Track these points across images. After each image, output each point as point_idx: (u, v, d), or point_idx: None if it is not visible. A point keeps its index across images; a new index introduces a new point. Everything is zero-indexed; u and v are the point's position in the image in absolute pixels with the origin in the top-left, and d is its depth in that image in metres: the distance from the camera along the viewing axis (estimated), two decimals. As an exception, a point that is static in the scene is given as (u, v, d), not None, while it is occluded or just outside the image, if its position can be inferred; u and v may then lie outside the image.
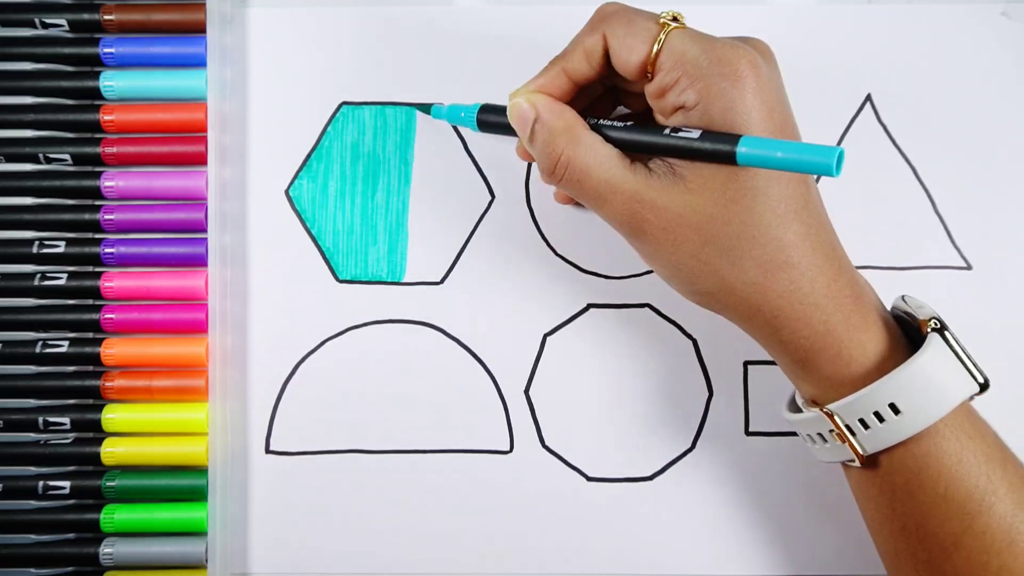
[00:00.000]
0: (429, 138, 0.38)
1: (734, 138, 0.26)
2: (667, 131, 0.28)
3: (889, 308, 0.30)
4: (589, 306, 0.37)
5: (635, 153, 0.30)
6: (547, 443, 0.37)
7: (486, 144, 0.38)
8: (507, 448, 0.37)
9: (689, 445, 0.37)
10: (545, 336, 0.37)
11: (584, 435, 0.37)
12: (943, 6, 0.37)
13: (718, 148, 0.27)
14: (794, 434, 0.37)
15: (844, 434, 0.28)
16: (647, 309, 0.37)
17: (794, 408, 0.32)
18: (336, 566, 0.37)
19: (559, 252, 0.37)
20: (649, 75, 0.29)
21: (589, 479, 0.37)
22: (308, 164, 0.38)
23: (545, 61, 0.37)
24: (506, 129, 0.32)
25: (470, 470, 0.37)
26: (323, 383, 0.37)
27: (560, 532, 0.37)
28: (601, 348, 0.37)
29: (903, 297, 0.30)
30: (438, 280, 0.37)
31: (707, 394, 0.37)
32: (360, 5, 0.38)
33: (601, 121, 0.30)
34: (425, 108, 0.37)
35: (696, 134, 0.27)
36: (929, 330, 0.28)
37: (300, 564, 0.37)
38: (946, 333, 0.28)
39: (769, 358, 0.37)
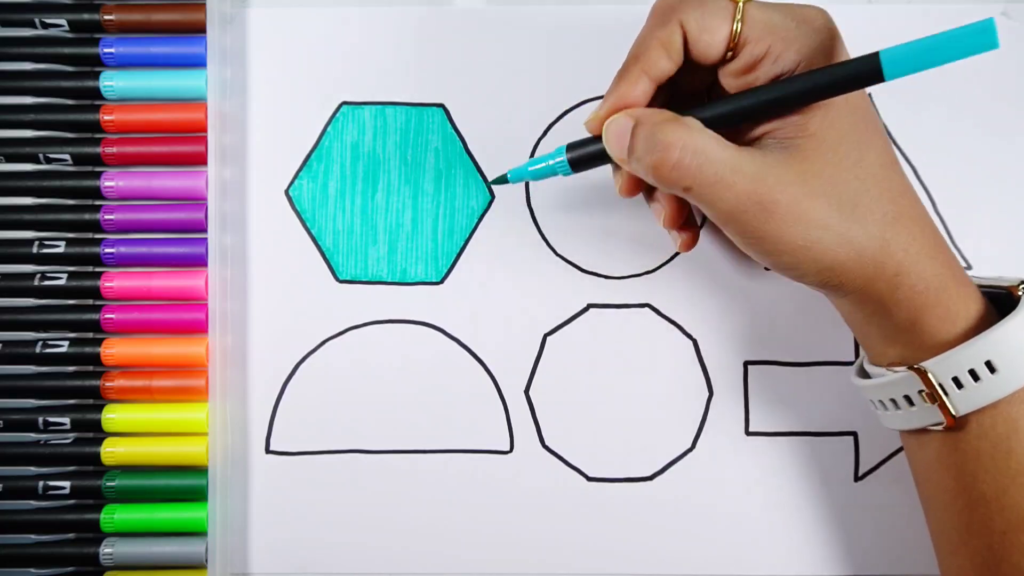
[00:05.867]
0: (429, 138, 0.38)
1: (872, 55, 0.25)
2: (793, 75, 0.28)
3: None
4: (589, 306, 0.37)
5: (762, 119, 0.29)
6: (547, 443, 0.37)
7: (486, 144, 0.38)
8: (507, 448, 0.37)
9: (689, 445, 0.37)
10: (545, 336, 0.37)
11: (584, 435, 0.37)
12: (943, 6, 0.37)
13: (862, 68, 0.26)
14: (794, 434, 0.37)
15: (937, 393, 0.27)
16: (647, 309, 0.37)
17: (864, 373, 0.31)
18: (336, 566, 0.37)
19: (559, 252, 0.37)
20: (731, 54, 0.29)
21: (589, 479, 0.37)
22: (308, 164, 0.38)
23: (543, 60, 0.37)
24: (601, 158, 0.30)
25: (470, 470, 0.37)
26: (323, 383, 0.37)
27: (560, 532, 0.37)
28: (601, 348, 0.37)
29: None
30: (438, 280, 0.37)
31: (707, 394, 0.37)
32: (360, 5, 0.38)
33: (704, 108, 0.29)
34: (500, 179, 0.34)
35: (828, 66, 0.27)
36: (1021, 292, 0.28)
37: (300, 564, 0.37)
38: None
39: (769, 358, 0.37)
